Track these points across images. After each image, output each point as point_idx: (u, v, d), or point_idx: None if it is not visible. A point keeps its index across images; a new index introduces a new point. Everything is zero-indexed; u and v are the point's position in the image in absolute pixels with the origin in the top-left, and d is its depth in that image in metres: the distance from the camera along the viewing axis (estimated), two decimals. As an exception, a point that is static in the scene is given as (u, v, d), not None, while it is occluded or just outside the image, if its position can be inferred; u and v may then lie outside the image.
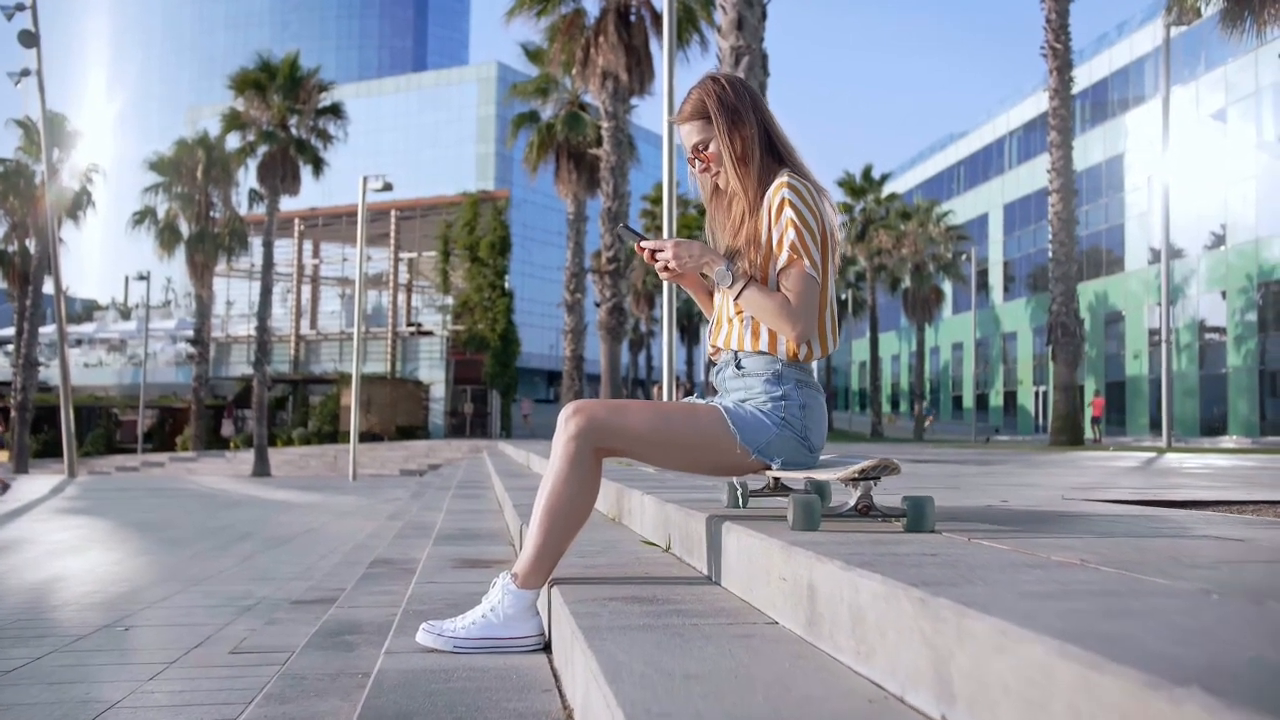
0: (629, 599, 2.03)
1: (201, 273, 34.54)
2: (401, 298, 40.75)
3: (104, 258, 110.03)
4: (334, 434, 35.60)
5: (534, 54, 28.49)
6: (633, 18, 24.23)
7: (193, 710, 3.02)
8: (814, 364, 2.44)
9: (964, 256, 43.71)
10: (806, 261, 2.29)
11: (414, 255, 40.60)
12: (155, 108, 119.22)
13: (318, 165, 31.37)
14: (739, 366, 2.40)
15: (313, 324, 41.45)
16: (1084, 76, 36.19)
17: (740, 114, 2.40)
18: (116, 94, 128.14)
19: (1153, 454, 14.11)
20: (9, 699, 3.15)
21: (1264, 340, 31.63)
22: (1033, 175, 43.01)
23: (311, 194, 34.61)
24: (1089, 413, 32.67)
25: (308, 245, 41.80)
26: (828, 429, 2.44)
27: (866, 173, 46.85)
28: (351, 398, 24.52)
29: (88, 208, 33.71)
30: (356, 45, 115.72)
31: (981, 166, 51.24)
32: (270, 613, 4.74)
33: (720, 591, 2.14)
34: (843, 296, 47.85)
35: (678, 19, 16.73)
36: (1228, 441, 29.51)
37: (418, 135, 72.77)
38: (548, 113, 29.20)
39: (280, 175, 30.93)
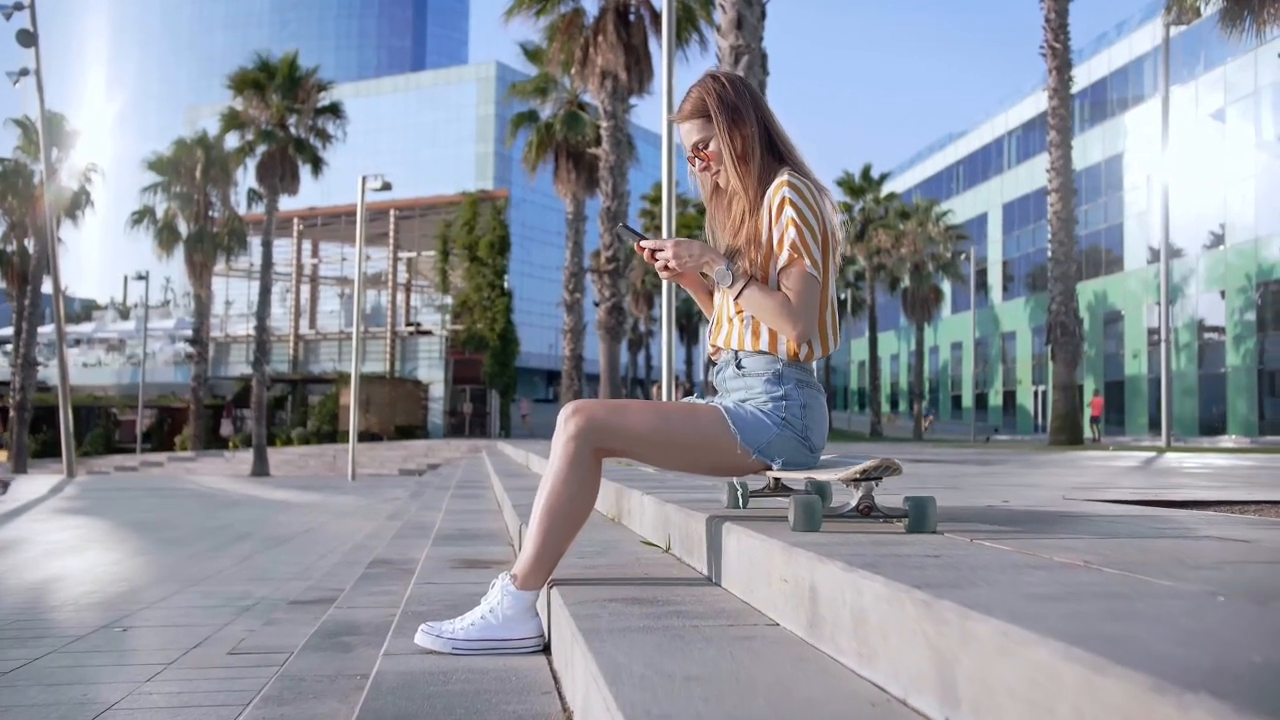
0: (629, 600, 2.01)
1: (200, 272, 34.52)
2: (400, 297, 40.74)
3: (103, 257, 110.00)
4: (333, 434, 35.59)
5: (533, 53, 28.47)
6: (632, 17, 24.22)
7: (190, 712, 3.01)
8: (814, 364, 2.42)
9: (963, 256, 43.71)
10: (807, 261, 2.28)
11: (413, 255, 40.58)
12: (154, 107, 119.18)
13: (316, 165, 31.35)
14: (739, 366, 2.39)
15: (312, 324, 41.43)
16: (1083, 76, 36.19)
17: (741, 112, 2.39)
18: (115, 93, 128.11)
19: (1152, 453, 14.11)
20: (6, 700, 3.14)
21: (1263, 340, 31.63)
22: (1032, 175, 43.00)
23: (310, 194, 34.61)
24: (1088, 412, 32.69)
25: (307, 245, 41.78)
26: (828, 429, 2.43)
27: (865, 172, 46.84)
28: (350, 397, 24.51)
29: (86, 207, 33.70)
30: (355, 45, 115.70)
31: (980, 166, 51.23)
32: (269, 613, 4.73)
33: (721, 593, 2.13)
34: (842, 296, 47.86)
35: (677, 18, 16.72)
36: (1227, 441, 29.51)
37: (417, 135, 72.75)
38: (547, 112, 29.18)
39: (279, 175, 30.92)
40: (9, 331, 39.57)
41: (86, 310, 79.83)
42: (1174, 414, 22.88)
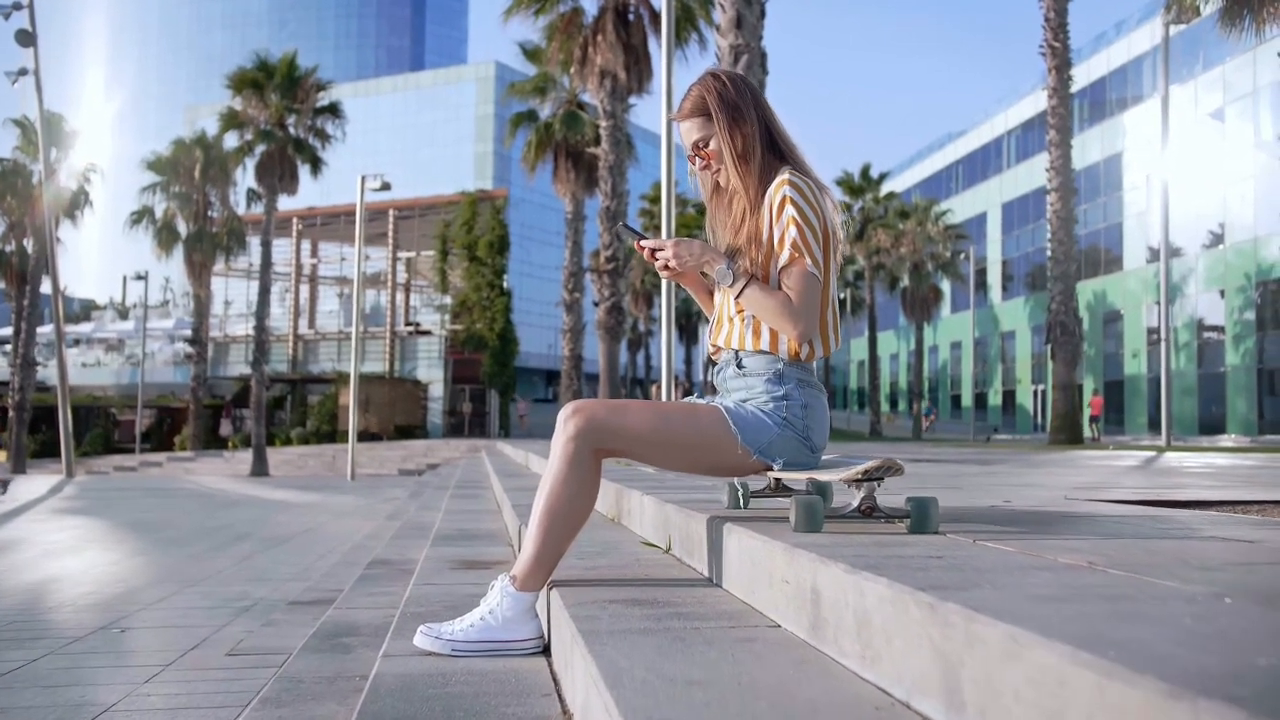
0: (629, 601, 2.00)
1: (199, 272, 34.49)
2: (400, 297, 40.72)
3: (102, 257, 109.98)
4: (332, 433, 35.57)
5: (532, 53, 28.45)
6: (631, 16, 24.20)
7: (188, 714, 3.00)
8: (815, 363, 2.41)
9: (962, 255, 43.71)
10: (808, 260, 2.27)
11: (412, 255, 40.56)
12: (153, 107, 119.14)
13: (316, 165, 31.33)
14: (740, 366, 2.37)
15: (311, 323, 41.41)
16: (1082, 75, 36.18)
17: (741, 110, 2.38)
18: (114, 93, 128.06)
19: (1152, 453, 14.10)
20: (4, 703, 3.12)
21: (1262, 339, 31.63)
22: (1031, 174, 43.00)
23: (309, 193, 34.58)
24: (1087, 412, 32.68)
25: (306, 245, 41.76)
26: (829, 429, 2.41)
27: (865, 172, 46.82)
28: (350, 397, 24.50)
29: (85, 207, 33.65)
30: (354, 44, 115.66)
31: (980, 165, 51.24)
32: (267, 614, 4.71)
33: (721, 594, 2.11)
34: (841, 296, 47.81)
35: (676, 17, 16.71)
36: (1226, 440, 29.52)
37: (416, 134, 72.76)
38: (546, 112, 29.16)
39: (278, 174, 30.90)
40: (8, 332, 39.55)
41: (85, 310, 79.85)
42: (1173, 413, 22.86)
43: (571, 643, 1.74)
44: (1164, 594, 1.30)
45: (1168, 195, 21.51)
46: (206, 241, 33.91)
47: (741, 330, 2.38)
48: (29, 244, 32.66)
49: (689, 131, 2.44)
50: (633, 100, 25.43)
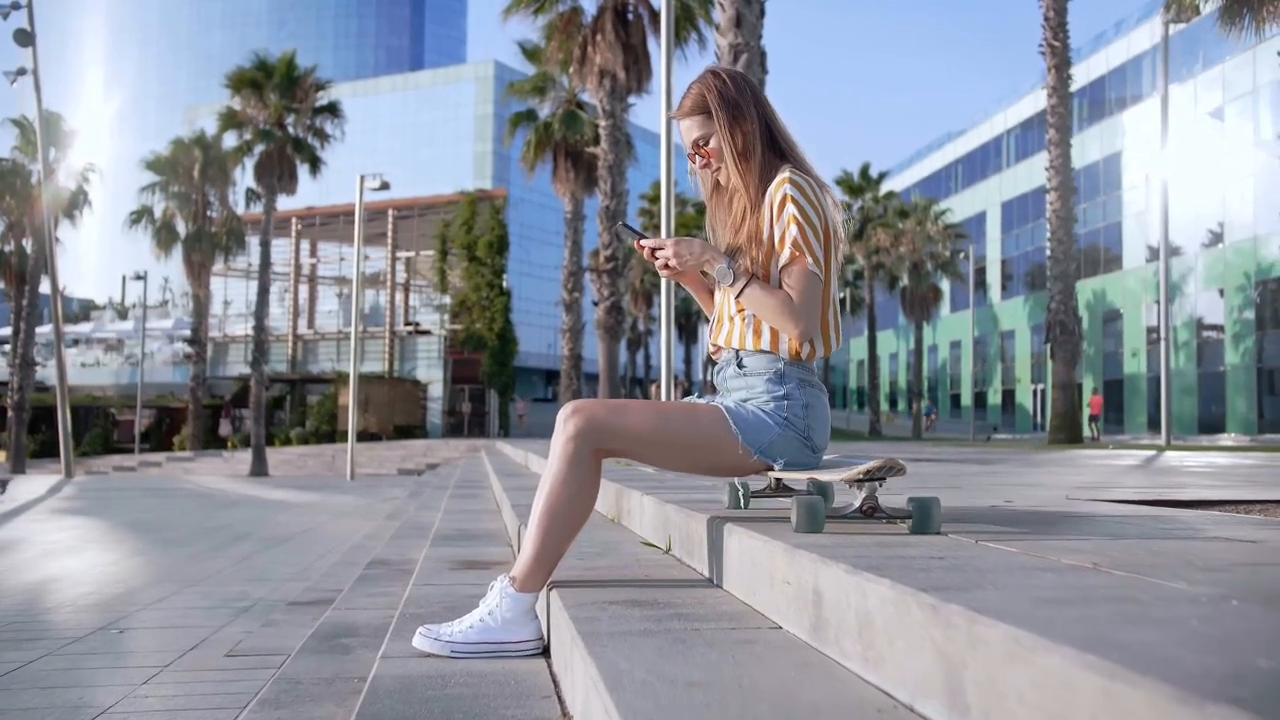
0: (629, 603, 1.99)
1: (199, 272, 34.47)
2: (399, 297, 40.70)
3: (101, 257, 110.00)
4: (331, 433, 35.56)
5: (531, 52, 28.44)
6: (630, 16, 24.18)
7: (186, 715, 2.99)
8: (816, 363, 2.40)
9: (962, 255, 43.70)
10: (809, 258, 2.26)
11: (411, 254, 40.54)
12: (152, 107, 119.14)
13: (315, 164, 31.31)
14: (740, 365, 2.36)
15: (310, 323, 41.39)
16: (1081, 74, 36.15)
17: (741, 109, 2.37)
18: (113, 93, 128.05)
19: (1152, 452, 14.09)
20: (1, 704, 3.11)
21: (1262, 338, 31.63)
22: (1030, 173, 43.00)
23: (309, 193, 34.55)
24: (1087, 411, 32.67)
25: (305, 245, 41.75)
26: (830, 429, 2.40)
27: (864, 171, 46.82)
28: (349, 397, 24.48)
29: (84, 207, 33.63)
30: (354, 44, 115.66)
31: (979, 165, 51.23)
32: (267, 614, 4.70)
33: (722, 595, 2.10)
34: (841, 295, 47.66)
35: (675, 17, 16.70)
36: (1226, 439, 29.51)
37: (415, 134, 72.74)
38: (545, 111, 29.14)
39: (277, 174, 30.88)
40: (7, 332, 39.53)
41: (85, 310, 79.87)
42: (1173, 412, 22.86)
43: (571, 644, 1.73)
44: (1169, 595, 1.29)
45: (1167, 194, 21.50)
46: (205, 241, 33.89)
47: (742, 330, 2.37)
48: (28, 244, 32.64)
49: (689, 130, 2.43)
50: (632, 100, 25.42)
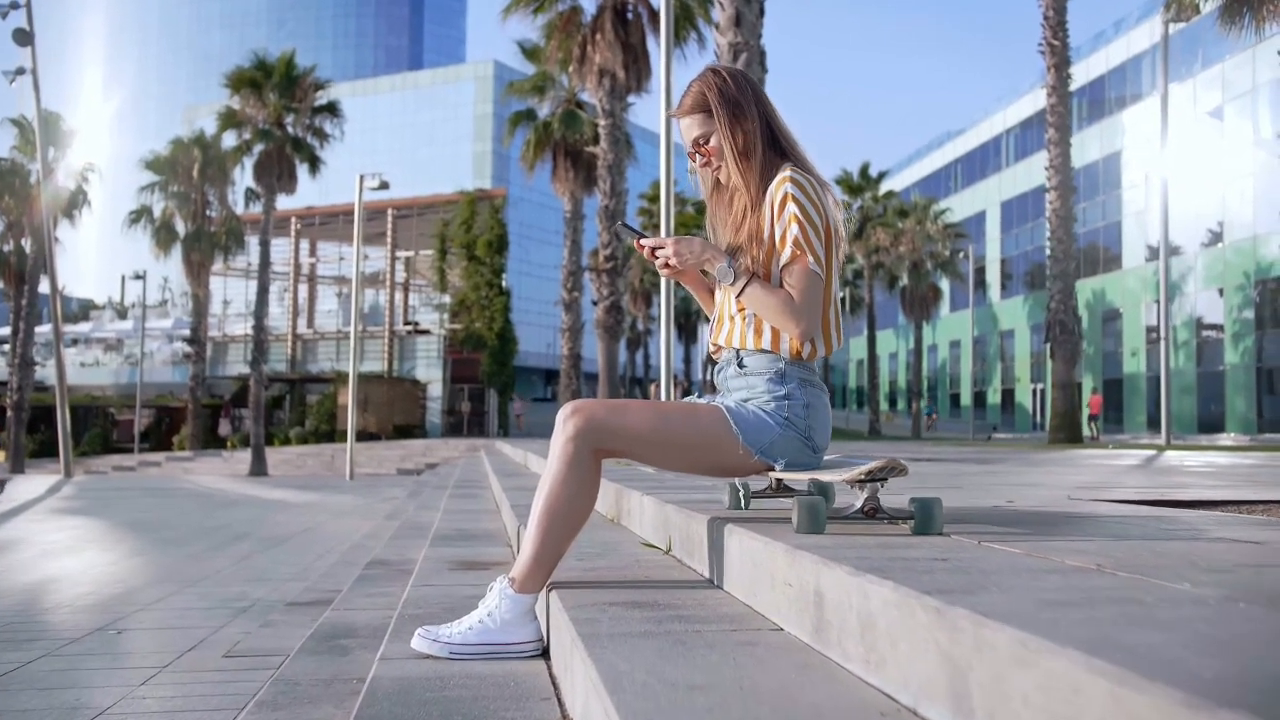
0: (629, 604, 1.98)
1: (198, 272, 34.45)
2: (398, 296, 40.67)
3: (100, 257, 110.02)
4: (331, 433, 35.54)
5: (531, 52, 28.43)
6: (630, 15, 24.17)
7: (184, 717, 2.97)
8: (816, 363, 2.38)
9: (961, 254, 43.70)
10: (810, 257, 2.24)
11: (411, 254, 40.52)
12: (152, 106, 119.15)
13: (314, 164, 31.29)
14: (741, 365, 2.35)
15: (309, 323, 41.37)
16: (1081, 74, 36.14)
17: (742, 107, 2.35)
18: (113, 93, 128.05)
19: (1152, 452, 14.09)
20: (-2, 705, 3.10)
21: (1261, 337, 31.63)
22: (1030, 173, 43.00)
23: (308, 193, 34.53)
24: (1086, 411, 32.66)
25: (304, 244, 41.72)
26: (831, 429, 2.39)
27: (864, 170, 46.82)
28: (349, 397, 24.46)
29: (84, 207, 33.61)
30: (353, 44, 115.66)
31: (979, 164, 51.23)
32: (265, 615, 4.69)
33: (723, 596, 2.09)
34: (840, 294, 47.74)
35: (675, 16, 16.69)
36: (1225, 439, 29.52)
37: (414, 134, 72.72)
38: (545, 111, 29.13)
39: (277, 174, 30.86)
40: (6, 331, 39.50)
41: (84, 310, 79.87)
42: (1172, 412, 22.85)
43: (571, 646, 1.72)
44: (1175, 598, 1.27)
45: (1167, 193, 21.48)
46: (205, 241, 33.87)
47: (743, 329, 2.35)
48: (27, 244, 32.61)
49: (689, 128, 2.41)
50: (631, 99, 25.41)
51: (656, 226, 38.18)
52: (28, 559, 7.27)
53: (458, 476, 12.89)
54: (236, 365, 39.99)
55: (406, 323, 39.75)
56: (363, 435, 31.19)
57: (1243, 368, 32.20)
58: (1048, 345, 22.80)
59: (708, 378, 35.58)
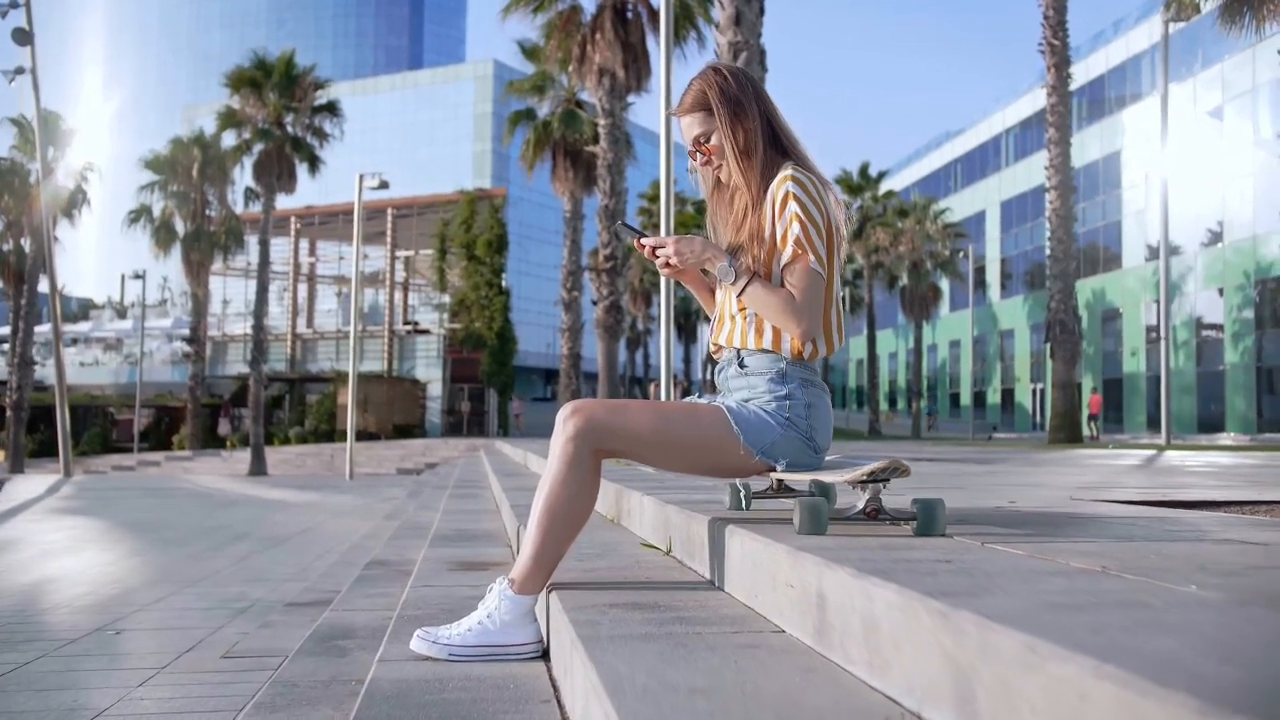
0: (629, 605, 1.96)
1: (197, 271, 34.44)
2: (398, 296, 40.67)
3: (100, 256, 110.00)
4: (331, 433, 35.53)
5: (530, 51, 28.41)
6: (629, 14, 24.14)
7: (182, 718, 2.96)
8: (818, 362, 2.37)
9: (961, 254, 43.70)
10: (811, 256, 2.23)
11: (411, 253, 40.51)
12: (151, 106, 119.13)
13: (314, 163, 31.28)
14: (742, 365, 2.33)
15: (309, 322, 41.36)
16: (1081, 74, 36.13)
17: (743, 105, 2.34)
18: (112, 92, 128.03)
19: (1153, 452, 14.07)
20: (-5, 706, 3.09)
21: (1261, 337, 31.62)
22: (1030, 172, 42.99)
23: (308, 192, 34.52)
24: (1086, 410, 32.65)
25: (304, 244, 41.71)
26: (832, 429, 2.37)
27: (864, 170, 46.80)
28: (348, 396, 24.45)
29: (83, 206, 33.57)
30: (353, 44, 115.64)
31: (978, 164, 51.21)
32: (264, 615, 4.68)
33: (724, 597, 2.07)
34: (840, 294, 47.73)
35: (675, 15, 16.66)
36: (1225, 439, 29.51)
37: (414, 133, 72.66)
38: (544, 110, 29.12)
39: (276, 173, 30.84)
40: (6, 331, 39.47)
41: (84, 309, 79.82)
42: (1172, 412, 22.84)
43: (571, 648, 1.70)
44: (1183, 601, 1.26)
45: (1167, 193, 21.47)
46: (204, 240, 33.85)
47: (744, 329, 2.34)
48: (26, 243, 32.59)
49: (690, 126, 2.40)
50: (631, 99, 25.38)
51: (656, 226, 38.16)
52: (26, 559, 7.25)
53: (457, 476, 12.87)
54: (236, 365, 39.98)
55: (406, 322, 39.74)
56: (362, 435, 31.17)
57: (1242, 367, 32.19)
58: (1047, 345, 22.79)
59: (707, 377, 35.57)
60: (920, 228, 43.56)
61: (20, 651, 3.88)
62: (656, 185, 41.51)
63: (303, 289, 41.87)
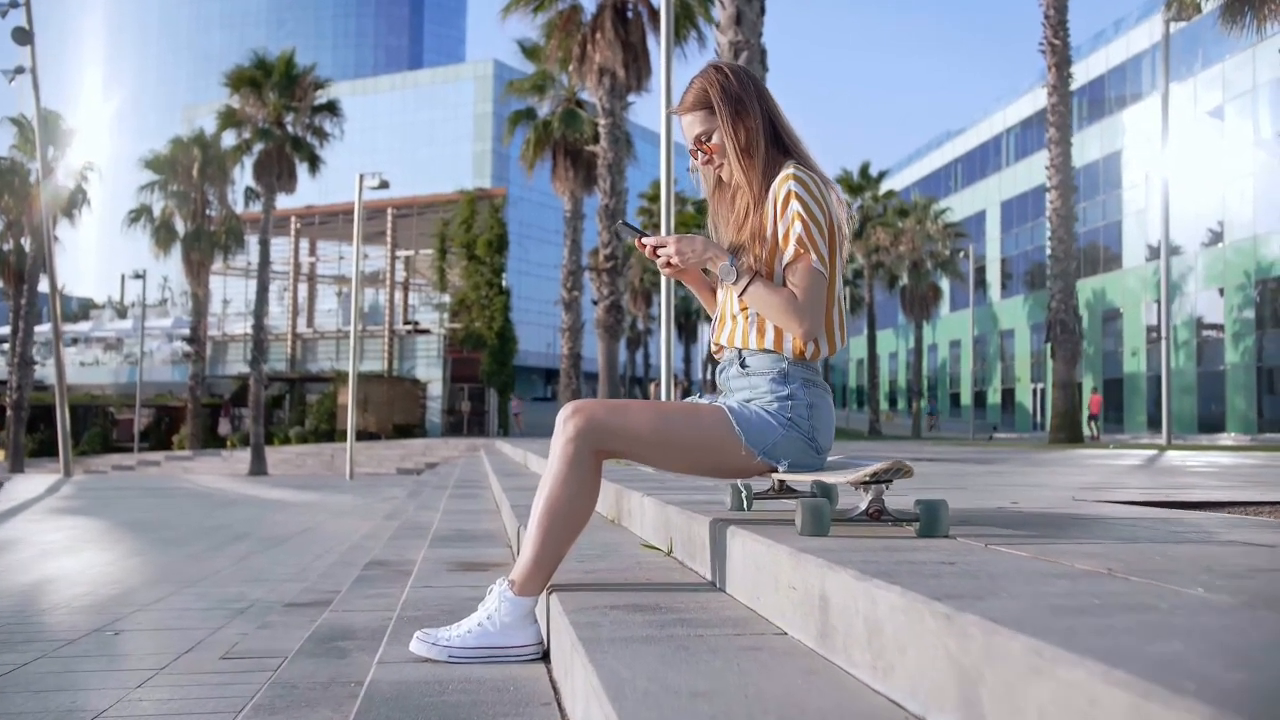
0: (630, 607, 1.95)
1: (198, 271, 34.43)
2: (398, 296, 40.66)
3: (100, 256, 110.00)
4: (331, 432, 35.52)
5: (530, 51, 28.39)
6: (630, 14, 24.13)
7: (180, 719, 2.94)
8: (820, 362, 2.35)
9: (961, 254, 43.67)
10: (813, 256, 2.21)
11: (411, 253, 40.51)
12: (151, 106, 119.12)
13: (314, 163, 31.27)
14: (743, 365, 2.32)
15: (309, 322, 41.35)
16: (1081, 73, 36.10)
17: (744, 104, 2.32)
18: (112, 92, 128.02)
19: (1154, 452, 14.06)
20: (-7, 707, 3.07)
21: (1261, 337, 31.60)
22: (1030, 172, 42.97)
23: (308, 192, 34.51)
24: (1086, 410, 32.63)
25: (304, 243, 41.70)
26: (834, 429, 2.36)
27: (864, 170, 46.78)
28: (349, 396, 24.44)
29: (83, 206, 33.55)
30: (353, 43, 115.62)
31: (979, 164, 51.19)
32: (263, 616, 4.66)
33: (725, 599, 2.06)
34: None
35: (675, 15, 16.64)
36: (1225, 439, 29.49)
37: (414, 133, 72.64)
38: (544, 110, 29.11)
39: (276, 173, 30.83)
40: (6, 330, 39.46)
41: (84, 309, 79.80)
42: (1173, 412, 22.81)
43: (571, 651, 1.69)
44: (1191, 604, 1.24)
45: (1167, 193, 21.45)
46: (205, 240, 33.84)
47: (745, 328, 2.32)
48: (26, 243, 32.57)
49: (691, 125, 2.38)
50: (632, 98, 25.37)
51: (657, 226, 38.12)
52: (26, 559, 7.24)
53: (457, 476, 12.86)
54: (236, 364, 39.97)
55: (406, 322, 39.74)
56: (362, 435, 31.17)
57: (1243, 367, 32.17)
58: (1048, 345, 22.77)
59: (708, 377, 35.56)
60: (920, 227, 43.54)
61: (19, 652, 3.87)
62: (657, 185, 41.49)
63: (303, 289, 41.87)
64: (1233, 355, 32.64)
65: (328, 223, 40.58)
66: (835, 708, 1.27)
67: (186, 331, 41.75)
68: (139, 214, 34.18)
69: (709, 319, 2.54)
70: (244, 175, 32.70)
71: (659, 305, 10.58)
